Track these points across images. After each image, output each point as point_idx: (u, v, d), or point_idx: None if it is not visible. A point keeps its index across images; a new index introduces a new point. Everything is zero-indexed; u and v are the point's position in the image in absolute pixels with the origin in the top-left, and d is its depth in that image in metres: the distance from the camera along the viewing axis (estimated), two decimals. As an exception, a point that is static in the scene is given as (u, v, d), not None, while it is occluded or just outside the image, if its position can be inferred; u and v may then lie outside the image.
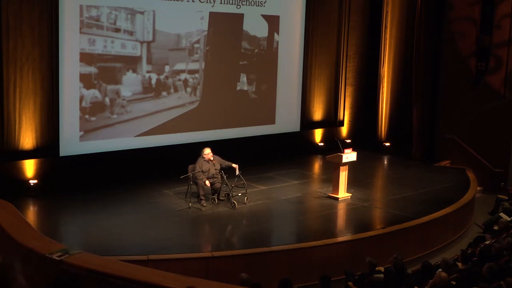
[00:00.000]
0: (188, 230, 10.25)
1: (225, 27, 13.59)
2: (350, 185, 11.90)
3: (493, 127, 14.47)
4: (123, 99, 12.17)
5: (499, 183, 13.95)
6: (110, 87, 11.99)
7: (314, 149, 15.36)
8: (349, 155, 11.45)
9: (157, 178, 12.19)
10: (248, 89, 14.21)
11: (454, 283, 7.13)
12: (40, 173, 11.31)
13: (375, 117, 16.15)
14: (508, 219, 10.73)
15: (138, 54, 12.25)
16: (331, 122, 15.87)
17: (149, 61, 12.43)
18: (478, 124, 14.69)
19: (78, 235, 9.98)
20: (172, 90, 12.85)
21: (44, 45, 11.04)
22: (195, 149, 11.33)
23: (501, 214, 11.11)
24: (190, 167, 10.98)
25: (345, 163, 11.40)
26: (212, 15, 13.25)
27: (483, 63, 14.96)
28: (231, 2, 13.55)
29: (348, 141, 15.46)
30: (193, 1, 12.92)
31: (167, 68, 12.71)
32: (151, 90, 12.53)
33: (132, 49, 12.14)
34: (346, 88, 16.07)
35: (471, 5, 14.83)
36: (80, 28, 11.44)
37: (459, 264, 8.24)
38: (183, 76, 13.00)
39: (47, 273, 7.36)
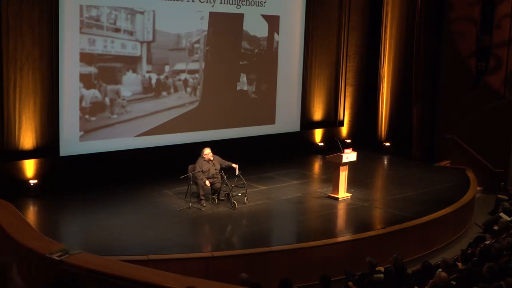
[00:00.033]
0: (188, 230, 10.25)
1: (225, 27, 13.59)
2: (350, 185, 11.91)
3: (493, 127, 14.46)
4: (123, 99, 12.17)
5: (499, 183, 13.95)
6: (110, 87, 12.00)
7: (314, 149, 15.36)
8: (349, 155, 11.45)
9: (157, 178, 12.19)
10: (248, 89, 14.21)
11: (454, 283, 7.14)
12: (40, 173, 11.31)
13: (375, 117, 16.15)
14: (508, 219, 10.73)
15: (138, 54, 12.25)
16: (331, 122, 15.87)
17: (149, 61, 12.44)
18: (478, 124, 14.69)
19: (78, 235, 9.98)
20: (172, 90, 12.85)
21: (44, 45, 11.04)
22: (195, 149, 11.33)
23: (501, 214, 11.11)
24: (190, 167, 10.98)
25: (345, 163, 11.41)
26: (212, 15, 13.25)
27: (483, 63, 14.96)
28: (231, 2, 13.55)
29: (348, 141, 15.47)
30: (193, 1, 12.92)
31: (167, 68, 12.71)
32: (151, 90, 12.53)
33: (132, 49, 12.14)
34: (346, 88, 16.07)
35: (471, 5, 14.83)
36: (80, 28, 11.45)
37: (459, 264, 8.24)
38: (183, 76, 13.00)
39: (47, 273, 7.36)
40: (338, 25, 15.62)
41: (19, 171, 11.14)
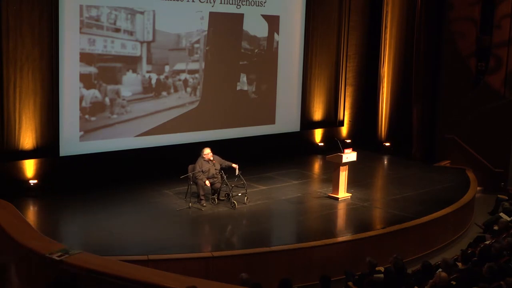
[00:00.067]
0: (188, 230, 10.25)
1: (225, 27, 13.59)
2: (350, 185, 11.91)
3: (493, 127, 14.46)
4: (123, 99, 12.17)
5: (499, 183, 13.95)
6: (110, 87, 12.00)
7: (314, 149, 15.37)
8: (349, 155, 11.45)
9: (157, 178, 12.19)
10: (248, 89, 14.21)
11: (454, 283, 7.14)
12: (40, 173, 11.31)
13: (375, 117, 16.15)
14: (508, 219, 10.73)
15: (138, 54, 12.25)
16: (331, 122, 15.87)
17: (149, 61, 12.44)
18: (478, 124, 14.69)
19: (78, 235, 9.98)
20: (172, 90, 12.85)
21: (44, 45, 11.05)
22: (195, 149, 11.33)
23: (501, 214, 11.11)
24: (190, 167, 10.98)
25: (345, 163, 11.41)
26: (212, 15, 13.25)
27: (483, 63, 14.96)
28: (231, 2, 13.55)
29: (348, 141, 15.47)
30: (193, 1, 12.92)
31: (167, 68, 12.71)
32: (151, 90, 12.53)
33: (132, 49, 12.15)
34: (346, 88, 16.07)
35: (471, 5, 14.83)
36: (80, 28, 11.45)
37: (459, 264, 8.24)
38: (183, 76, 13.00)
39: (47, 273, 7.36)
40: (338, 25, 15.62)
41: (19, 171, 11.15)
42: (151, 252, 8.60)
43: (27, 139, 11.10)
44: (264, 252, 9.02)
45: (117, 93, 12.09)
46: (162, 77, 12.65)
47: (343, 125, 16.12)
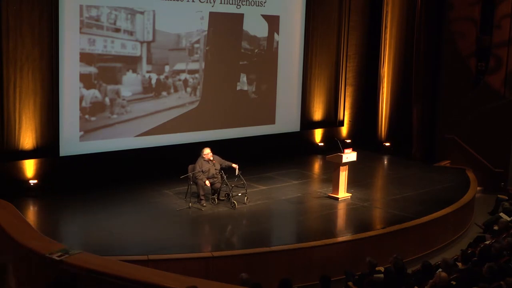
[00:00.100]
0: (188, 230, 10.25)
1: (225, 27, 13.59)
2: (350, 185, 11.91)
3: (493, 127, 14.47)
4: (123, 99, 12.17)
5: (499, 183, 13.95)
6: (110, 87, 12.00)
7: (314, 149, 15.37)
8: (349, 155, 11.45)
9: (157, 178, 12.19)
10: (248, 89, 14.21)
11: (454, 283, 7.13)
12: (40, 173, 11.31)
13: (375, 117, 16.16)
14: (508, 219, 10.73)
15: (138, 54, 12.25)
16: (331, 122, 15.87)
17: (149, 61, 12.44)
18: (478, 124, 14.69)
19: (78, 235, 9.98)
20: (172, 90, 12.85)
21: (44, 45, 11.04)
22: (195, 149, 11.33)
23: (501, 214, 11.11)
24: (190, 167, 10.98)
25: (345, 163, 11.40)
26: (212, 15, 13.25)
27: (483, 63, 14.97)
28: (231, 2, 13.55)
29: (348, 141, 15.47)
30: (193, 1, 12.92)
31: (167, 68, 12.71)
32: (151, 90, 12.53)
33: (132, 49, 12.15)
34: (346, 88, 16.07)
35: (471, 5, 14.84)
36: (80, 28, 11.45)
37: (459, 264, 8.24)
38: (183, 76, 13.00)
39: (47, 273, 7.36)
40: (338, 25, 15.62)
41: (19, 171, 11.15)
42: (151, 252, 8.60)
43: (27, 139, 11.10)
44: (264, 252, 9.02)
45: (117, 93, 12.09)
46: (162, 77, 12.65)
47: (343, 125, 16.12)
